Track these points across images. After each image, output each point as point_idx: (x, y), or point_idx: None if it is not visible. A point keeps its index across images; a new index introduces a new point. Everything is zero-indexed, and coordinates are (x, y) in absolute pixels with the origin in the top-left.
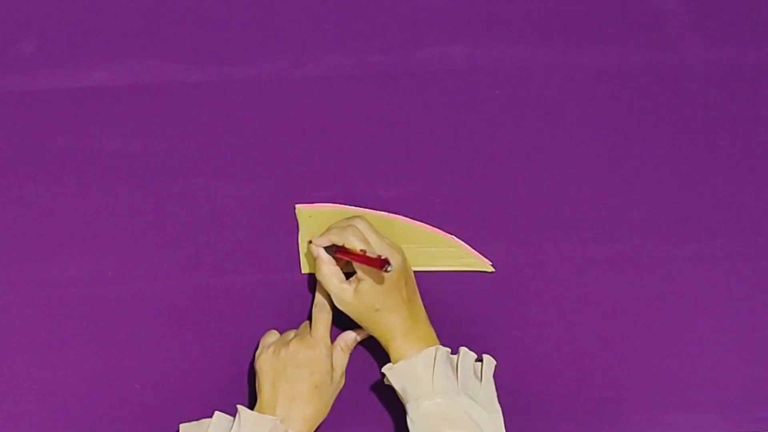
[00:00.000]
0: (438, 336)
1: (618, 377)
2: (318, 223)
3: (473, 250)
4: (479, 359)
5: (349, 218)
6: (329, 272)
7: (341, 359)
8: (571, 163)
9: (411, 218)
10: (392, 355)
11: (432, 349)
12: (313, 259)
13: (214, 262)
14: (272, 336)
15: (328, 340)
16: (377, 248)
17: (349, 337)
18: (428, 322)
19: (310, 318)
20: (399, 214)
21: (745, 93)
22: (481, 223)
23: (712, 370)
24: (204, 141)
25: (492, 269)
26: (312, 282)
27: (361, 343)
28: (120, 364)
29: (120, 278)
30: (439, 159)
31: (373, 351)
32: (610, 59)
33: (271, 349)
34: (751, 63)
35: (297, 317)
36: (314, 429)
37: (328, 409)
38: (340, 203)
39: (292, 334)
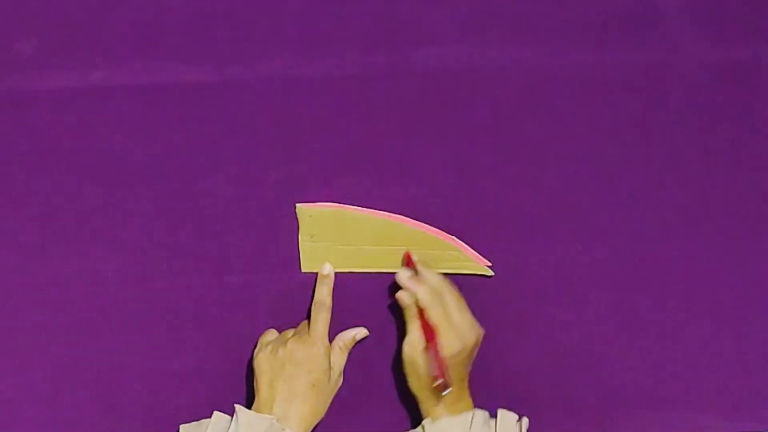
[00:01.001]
0: None
1: (618, 377)
2: (318, 223)
3: (473, 253)
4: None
5: (443, 285)
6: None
7: (339, 359)
8: (571, 163)
9: (411, 219)
10: (426, 413)
11: (469, 413)
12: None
13: (214, 262)
14: (271, 335)
15: (326, 339)
16: (458, 323)
17: (348, 337)
18: (469, 396)
19: (308, 317)
20: (399, 214)
21: (745, 93)
22: (481, 223)
23: (711, 370)
24: (204, 141)
25: (491, 273)
26: (311, 281)
27: (359, 342)
28: (120, 364)
29: (120, 278)
30: (439, 159)
31: (372, 351)
32: (610, 59)
33: (269, 347)
34: (751, 63)
35: (297, 317)
36: (311, 428)
37: (326, 408)
38: (340, 203)
39: (290, 333)
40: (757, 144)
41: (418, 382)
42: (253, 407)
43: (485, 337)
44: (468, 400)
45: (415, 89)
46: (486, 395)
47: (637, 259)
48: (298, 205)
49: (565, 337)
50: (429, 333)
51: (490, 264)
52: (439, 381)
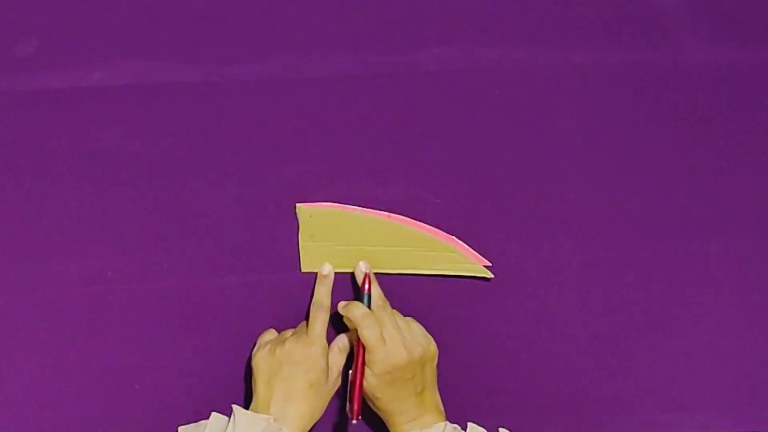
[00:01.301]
0: (437, 337)
1: (618, 377)
2: (318, 223)
3: (473, 253)
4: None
5: (383, 302)
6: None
7: (338, 360)
8: (570, 163)
9: (411, 219)
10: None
11: (440, 425)
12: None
13: (214, 262)
14: (270, 334)
15: (324, 340)
16: (393, 338)
17: (346, 338)
18: (438, 406)
19: (308, 318)
20: (399, 214)
21: (745, 93)
22: (481, 223)
23: (712, 370)
24: (204, 141)
25: (491, 275)
26: (311, 281)
27: None
28: (120, 364)
29: (120, 278)
30: (439, 159)
31: None
32: (610, 59)
33: (267, 347)
34: (751, 63)
35: (296, 317)
36: (309, 428)
37: (324, 408)
38: (340, 203)
39: (289, 333)
40: (757, 144)
41: (378, 401)
42: (250, 407)
43: (485, 337)
44: (435, 414)
45: (415, 89)
46: (486, 395)
47: (637, 259)
48: (298, 205)
49: (564, 337)
50: (360, 354)
51: (490, 264)
52: (348, 407)
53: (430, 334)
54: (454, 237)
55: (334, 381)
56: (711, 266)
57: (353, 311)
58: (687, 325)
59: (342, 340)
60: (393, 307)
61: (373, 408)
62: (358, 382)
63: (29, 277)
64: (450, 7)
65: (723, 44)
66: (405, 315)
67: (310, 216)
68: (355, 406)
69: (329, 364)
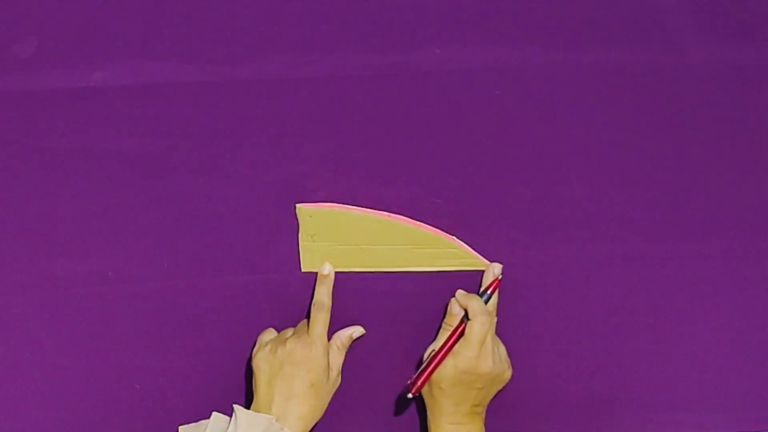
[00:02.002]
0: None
1: (618, 377)
2: (318, 223)
3: (473, 251)
4: None
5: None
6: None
7: (337, 358)
8: (571, 163)
9: (411, 218)
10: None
11: None
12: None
13: (214, 262)
14: (270, 334)
15: (326, 340)
16: (489, 347)
17: (345, 335)
18: (483, 423)
19: (308, 317)
20: (399, 214)
21: (745, 93)
22: (481, 223)
23: (712, 370)
24: (204, 141)
25: None
26: (311, 281)
27: (357, 341)
28: (120, 364)
29: (120, 278)
30: (440, 159)
31: (369, 349)
32: (610, 59)
33: (268, 347)
34: (751, 63)
35: (296, 317)
36: (310, 427)
37: (325, 408)
38: (341, 203)
39: (289, 332)
40: (758, 144)
41: (438, 392)
42: (251, 407)
43: None
44: (479, 427)
45: (415, 89)
46: None
47: (638, 259)
48: (298, 205)
49: (565, 336)
50: (452, 340)
51: (489, 263)
52: (410, 380)
53: (431, 332)
54: (454, 237)
55: (335, 380)
56: (711, 266)
57: (473, 303)
58: (687, 325)
59: (340, 338)
60: (394, 305)
61: (426, 396)
62: (434, 363)
63: (29, 277)
64: (450, 7)
65: (723, 44)
66: (406, 313)
67: (310, 216)
68: (419, 382)
69: (329, 364)
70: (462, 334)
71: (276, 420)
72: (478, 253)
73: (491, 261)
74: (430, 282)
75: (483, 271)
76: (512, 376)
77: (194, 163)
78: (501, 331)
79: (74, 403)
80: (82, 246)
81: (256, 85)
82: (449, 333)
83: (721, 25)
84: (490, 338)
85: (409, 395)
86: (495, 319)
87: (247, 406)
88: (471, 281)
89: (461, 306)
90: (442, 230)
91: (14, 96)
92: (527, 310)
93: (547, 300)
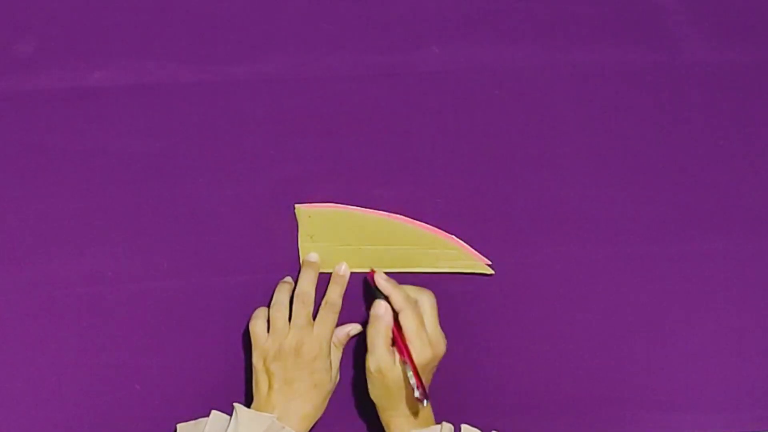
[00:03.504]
0: None
1: (618, 377)
2: (318, 223)
3: (473, 252)
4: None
5: (419, 291)
6: (381, 332)
7: (335, 355)
8: (571, 163)
9: (411, 218)
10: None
11: (437, 427)
12: (379, 294)
13: (214, 262)
14: (262, 313)
15: (330, 340)
16: (431, 331)
17: (342, 333)
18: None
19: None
20: (399, 214)
21: (745, 93)
22: (481, 223)
23: (712, 370)
24: (204, 141)
25: (492, 271)
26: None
27: (356, 341)
28: (119, 364)
29: (120, 278)
30: (440, 159)
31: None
32: (610, 59)
33: (268, 348)
34: (751, 63)
35: None
36: (311, 427)
37: (324, 407)
38: (340, 203)
39: (280, 321)
40: (758, 144)
41: (385, 393)
42: (252, 406)
43: (485, 337)
44: (429, 414)
45: (415, 89)
46: (486, 394)
47: (637, 259)
48: (297, 205)
49: (564, 336)
50: (400, 343)
51: (489, 263)
52: (419, 392)
53: None
54: (454, 237)
55: (334, 378)
56: (711, 266)
57: (394, 296)
58: (686, 325)
59: (338, 336)
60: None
61: (382, 400)
62: (412, 364)
63: (28, 277)
64: (450, 7)
65: (723, 44)
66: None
67: (309, 217)
68: (422, 386)
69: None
70: (400, 328)
71: (277, 419)
72: (478, 252)
73: (491, 261)
74: (430, 282)
75: (484, 275)
76: (512, 376)
77: (194, 163)
78: (501, 331)
79: (74, 403)
80: (82, 246)
81: (256, 85)
82: (391, 333)
83: (721, 25)
84: (431, 318)
85: (425, 402)
86: (423, 291)
87: (247, 406)
88: (470, 281)
89: (385, 293)
90: (442, 230)
91: (14, 96)
92: (527, 310)
93: (546, 300)
